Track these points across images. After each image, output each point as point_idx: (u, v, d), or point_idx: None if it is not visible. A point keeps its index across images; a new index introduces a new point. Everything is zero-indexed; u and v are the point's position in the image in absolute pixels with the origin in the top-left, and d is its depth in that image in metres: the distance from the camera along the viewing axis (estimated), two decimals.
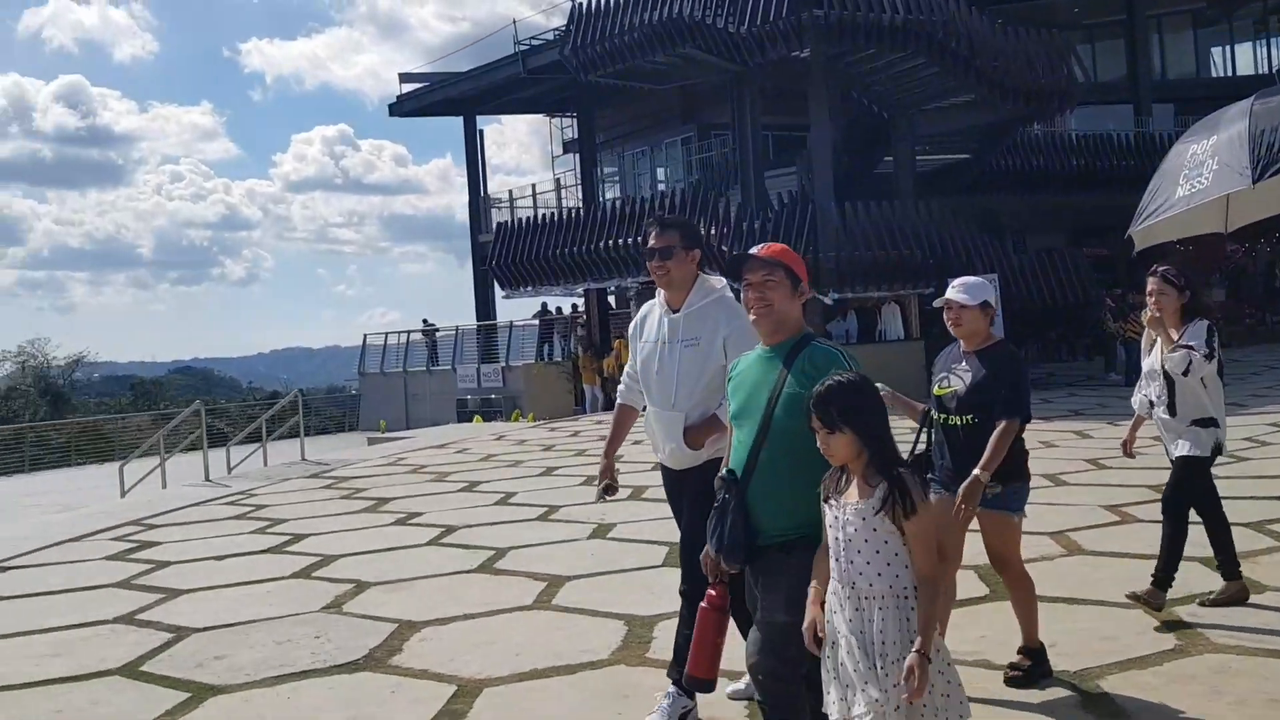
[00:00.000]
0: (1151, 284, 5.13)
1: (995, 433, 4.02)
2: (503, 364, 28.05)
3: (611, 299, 25.52)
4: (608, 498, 4.33)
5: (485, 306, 33.03)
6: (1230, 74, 35.77)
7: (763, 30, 18.60)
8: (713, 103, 29.32)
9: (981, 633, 4.94)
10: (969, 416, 4.14)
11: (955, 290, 4.27)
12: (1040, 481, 8.43)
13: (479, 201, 33.24)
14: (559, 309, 29.01)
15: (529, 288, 24.41)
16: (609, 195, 32.56)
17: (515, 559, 7.15)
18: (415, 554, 7.60)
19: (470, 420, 25.11)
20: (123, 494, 13.27)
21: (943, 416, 4.22)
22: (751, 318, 3.30)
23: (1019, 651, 4.33)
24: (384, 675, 4.89)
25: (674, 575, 4.31)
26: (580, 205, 29.74)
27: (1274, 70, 35.19)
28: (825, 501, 2.97)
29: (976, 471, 3.99)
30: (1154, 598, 5.01)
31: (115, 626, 5.96)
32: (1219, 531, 5.15)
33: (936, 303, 4.36)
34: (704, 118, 30.77)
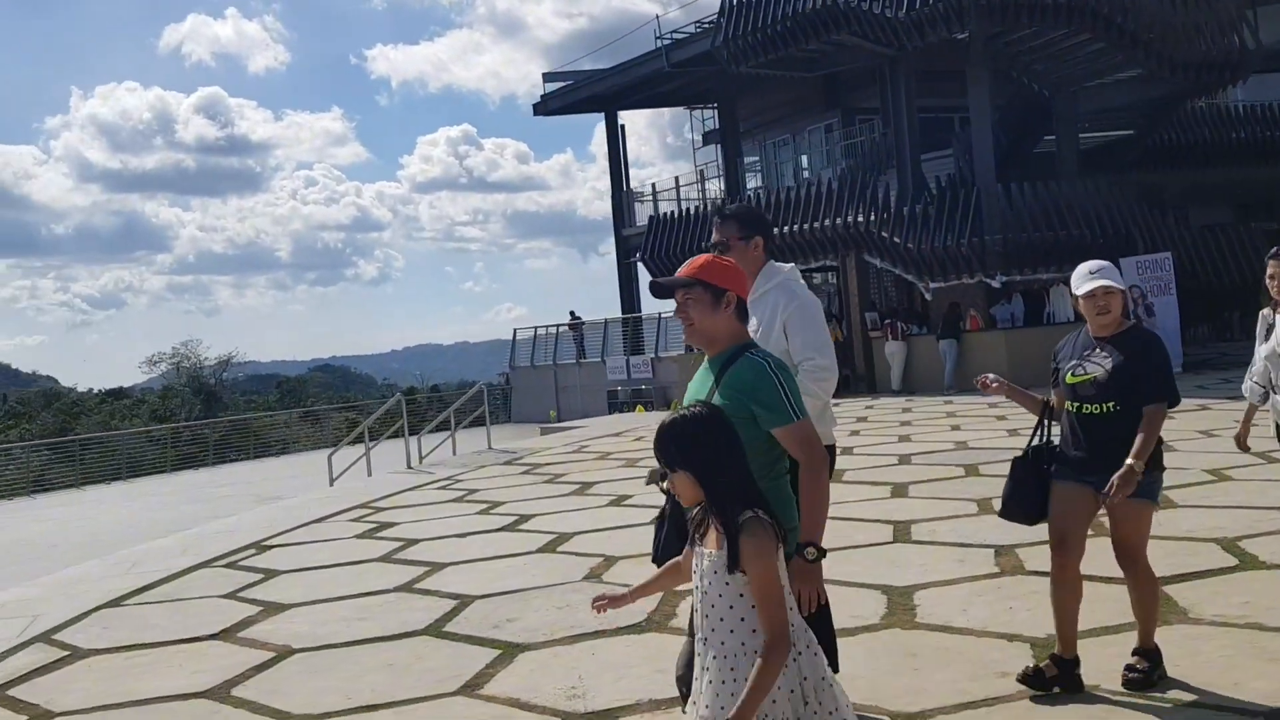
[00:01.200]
0: (1272, 266, 4.84)
1: (1146, 418, 3.90)
2: (652, 355, 28.54)
3: None
4: (661, 485, 4.12)
5: (630, 299, 33.56)
6: None
7: (922, 13, 18.54)
8: (857, 87, 29.15)
9: (1245, 598, 5.01)
10: (1110, 404, 3.99)
11: (1100, 276, 4.07)
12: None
13: (621, 196, 33.75)
14: None
15: None
16: (751, 185, 32.73)
17: None
18: (644, 532, 7.95)
19: (627, 410, 25.64)
20: (331, 481, 14.05)
21: (1076, 405, 4.07)
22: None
23: (1134, 653, 4.12)
24: (669, 635, 5.23)
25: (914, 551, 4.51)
26: (724, 195, 30.00)
27: None
28: (691, 545, 2.72)
29: (1130, 461, 3.84)
30: None
31: (400, 594, 6.47)
32: None
33: (1080, 291, 4.10)
34: (849, 102, 30.62)
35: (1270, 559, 5.73)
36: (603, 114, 33.67)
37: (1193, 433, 10.68)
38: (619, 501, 9.44)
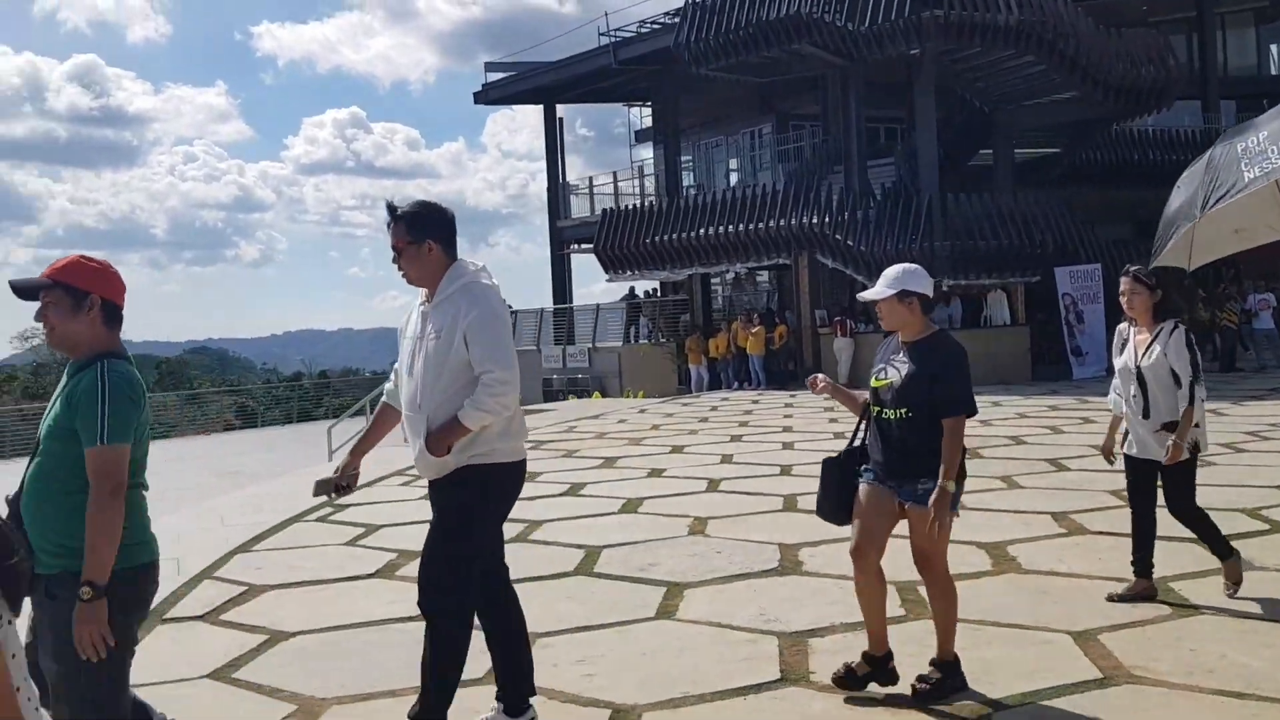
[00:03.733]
0: (1124, 284, 5.15)
1: (947, 432, 3.90)
2: (590, 345, 29.14)
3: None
4: (333, 495, 3.95)
5: (563, 289, 34.14)
6: None
7: (882, 28, 19.61)
8: (792, 94, 30.27)
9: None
10: (904, 410, 4.00)
11: (888, 284, 4.08)
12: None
13: (558, 188, 34.27)
14: (646, 292, 30.08)
15: (632, 271, 25.51)
16: (685, 183, 33.63)
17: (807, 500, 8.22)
18: (706, 499, 8.67)
19: (564, 398, 26.22)
20: (330, 455, 14.37)
21: (878, 409, 4.10)
22: None
23: (931, 663, 4.13)
24: (805, 577, 5.96)
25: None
26: (660, 194, 30.79)
27: None
28: None
29: (941, 482, 3.87)
30: (1232, 574, 5.14)
31: (520, 544, 7.05)
32: (1146, 529, 5.21)
33: (862, 296, 4.25)
34: (784, 108, 31.74)
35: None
36: (541, 105, 34.18)
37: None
38: (659, 474, 10.13)
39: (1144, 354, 5.10)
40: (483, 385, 3.54)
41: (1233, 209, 4.69)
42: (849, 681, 4.13)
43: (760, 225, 22.17)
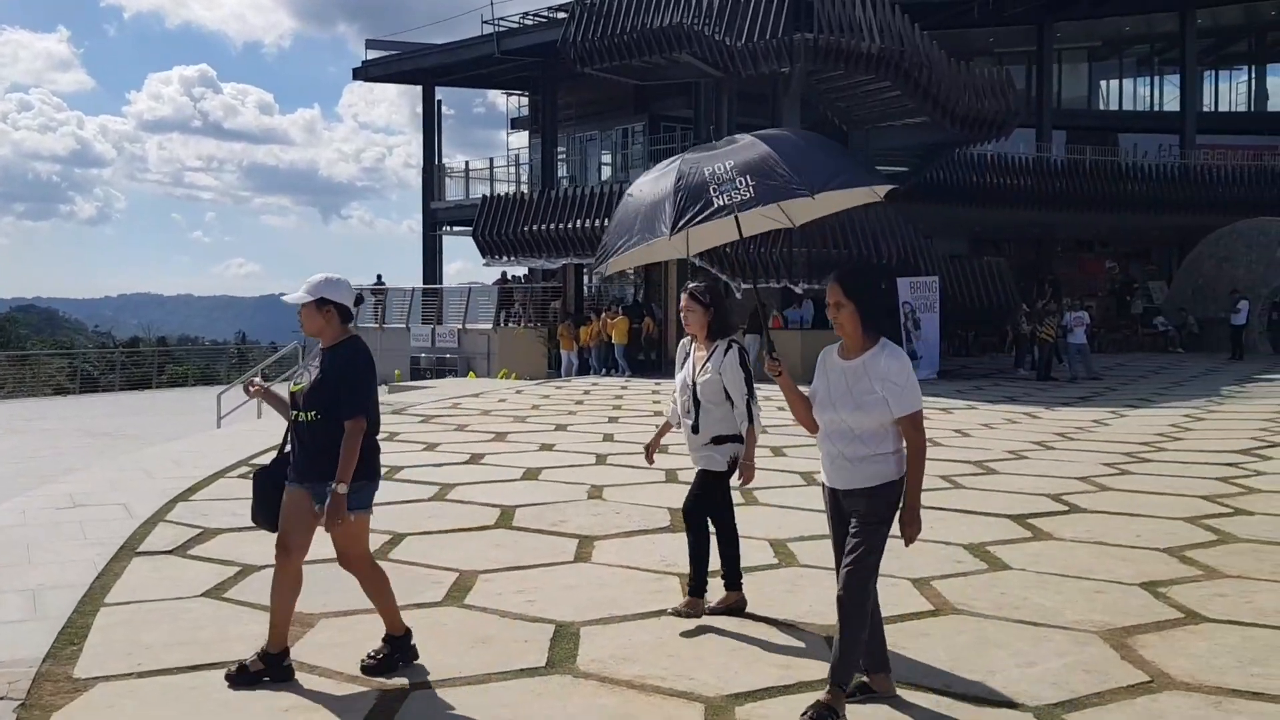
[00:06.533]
0: (683, 300, 5.29)
1: (345, 435, 4.12)
2: (459, 326, 29.76)
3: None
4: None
5: (433, 270, 34.63)
6: (1118, 107, 39.86)
7: (758, 45, 20.96)
8: (665, 96, 31.52)
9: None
10: (313, 413, 4.21)
11: (299, 290, 4.29)
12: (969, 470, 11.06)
13: (434, 169, 34.70)
14: (516, 277, 30.88)
15: (509, 257, 26.31)
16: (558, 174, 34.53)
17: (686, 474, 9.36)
18: (597, 470, 9.69)
19: (430, 376, 26.84)
20: (219, 422, 14.78)
21: (295, 412, 4.31)
22: None
23: (384, 639, 4.46)
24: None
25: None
26: (534, 184, 31.63)
27: (1152, 106, 39.54)
28: None
29: (334, 486, 4.10)
30: (693, 608, 5.19)
31: (439, 503, 7.93)
32: (729, 543, 5.31)
33: (285, 299, 4.40)
34: (656, 110, 32.97)
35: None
36: (419, 87, 34.53)
37: (949, 431, 13.19)
38: (548, 448, 11.10)
39: (700, 370, 5.20)
40: None
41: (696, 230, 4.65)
42: (238, 681, 4.19)
43: None
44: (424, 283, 33.39)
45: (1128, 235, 36.54)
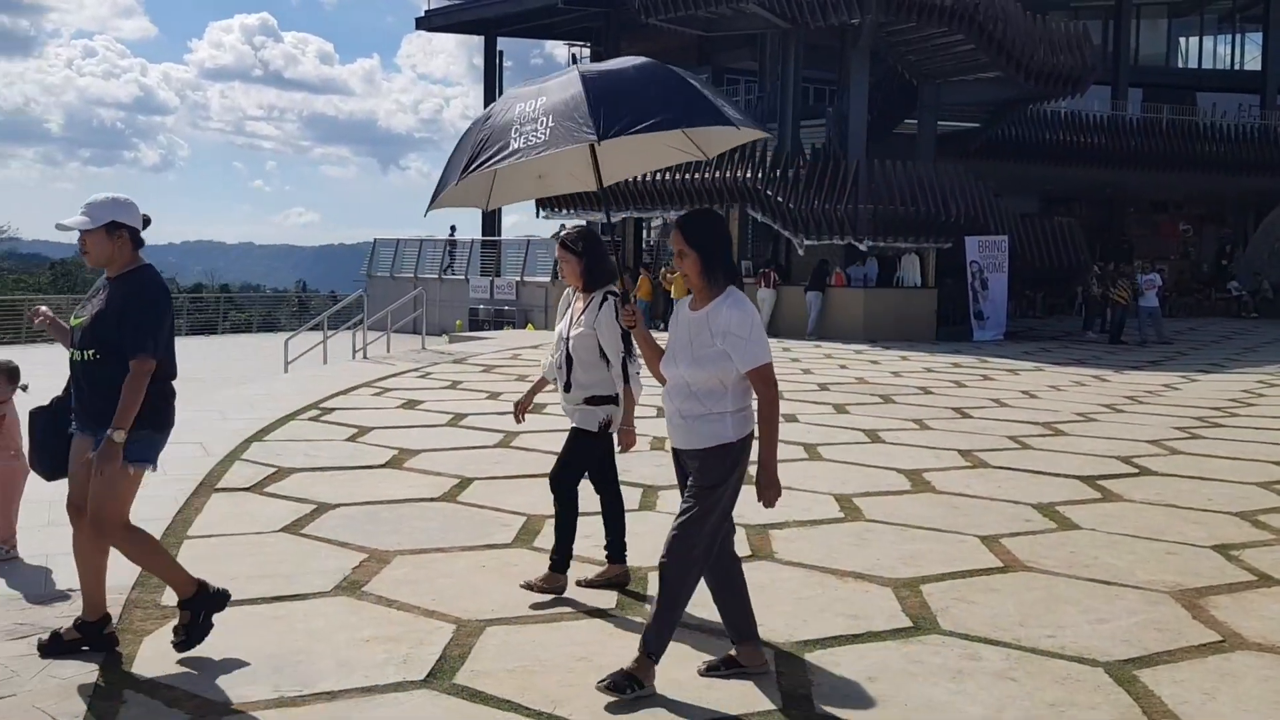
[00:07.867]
0: (558, 252, 4.86)
1: (128, 378, 3.65)
2: (517, 278, 29.94)
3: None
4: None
5: (492, 223, 34.77)
6: (1197, 65, 38.70)
7: None
8: (728, 48, 31.20)
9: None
10: (91, 351, 3.75)
11: (78, 215, 3.83)
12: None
13: None
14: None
15: (566, 211, 26.32)
16: None
17: None
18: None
19: (489, 328, 27.07)
20: (285, 366, 15.07)
21: (73, 351, 3.83)
22: None
23: (178, 605, 3.99)
24: None
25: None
26: None
27: (1234, 65, 38.35)
28: None
29: (110, 432, 3.62)
30: (551, 582, 4.76)
31: (497, 450, 8.04)
32: (614, 513, 4.90)
33: (60, 224, 3.91)
34: (720, 62, 32.67)
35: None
36: (479, 38, 34.52)
37: (1016, 393, 12.99)
38: None
39: (574, 324, 4.73)
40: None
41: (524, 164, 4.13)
42: (51, 650, 3.81)
43: (695, 175, 23.14)
44: (483, 234, 33.58)
45: (1203, 197, 35.59)
